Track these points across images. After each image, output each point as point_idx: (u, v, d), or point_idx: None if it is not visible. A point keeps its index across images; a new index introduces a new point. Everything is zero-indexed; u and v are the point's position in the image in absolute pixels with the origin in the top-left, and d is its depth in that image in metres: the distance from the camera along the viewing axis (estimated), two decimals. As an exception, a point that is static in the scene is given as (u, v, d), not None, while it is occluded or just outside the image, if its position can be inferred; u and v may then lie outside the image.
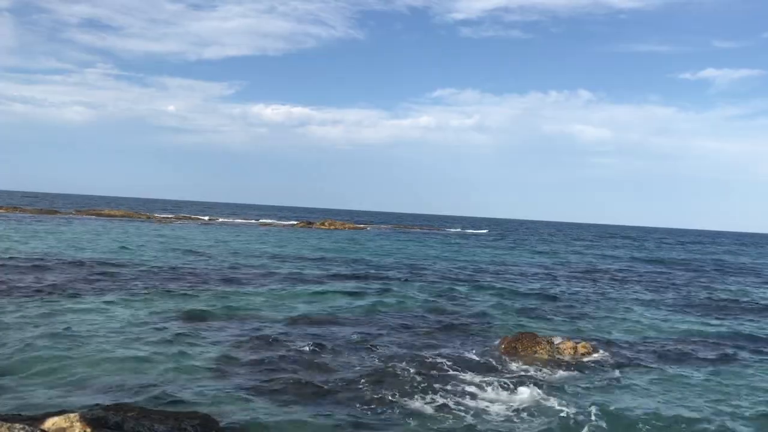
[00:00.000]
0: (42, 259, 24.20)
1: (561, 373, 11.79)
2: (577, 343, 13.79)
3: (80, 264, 23.66)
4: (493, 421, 8.94)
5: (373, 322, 15.74)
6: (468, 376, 11.18)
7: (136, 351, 11.52)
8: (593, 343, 14.24)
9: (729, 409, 10.09)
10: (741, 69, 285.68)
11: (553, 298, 22.33)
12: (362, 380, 10.51)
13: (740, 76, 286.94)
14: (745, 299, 25.34)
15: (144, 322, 13.95)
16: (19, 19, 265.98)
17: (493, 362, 12.34)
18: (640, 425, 9.08)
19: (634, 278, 31.92)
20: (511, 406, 9.62)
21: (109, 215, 69.65)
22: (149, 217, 72.54)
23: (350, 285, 22.59)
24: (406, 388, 10.20)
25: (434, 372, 11.29)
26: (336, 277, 25.05)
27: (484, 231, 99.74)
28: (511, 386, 10.63)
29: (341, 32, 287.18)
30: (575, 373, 11.84)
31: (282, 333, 13.76)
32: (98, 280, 19.84)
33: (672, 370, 12.45)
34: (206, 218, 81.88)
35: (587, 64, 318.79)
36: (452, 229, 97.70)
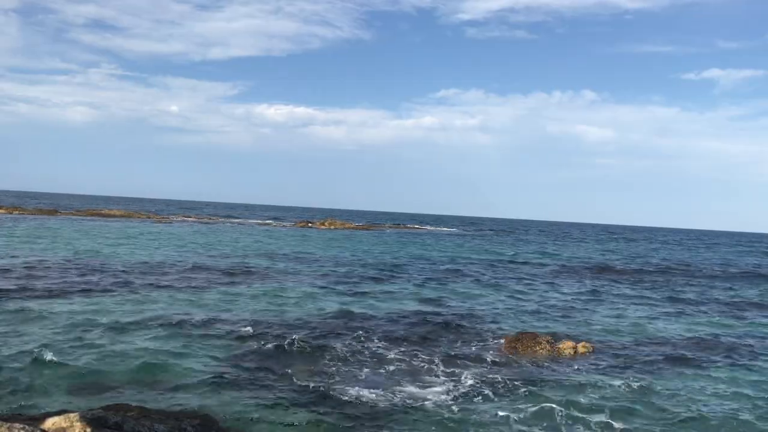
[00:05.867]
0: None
1: (560, 372, 11.78)
2: (578, 342, 13.79)
3: (77, 262, 23.67)
4: (493, 420, 8.94)
5: (371, 322, 15.73)
6: (468, 375, 11.17)
7: (136, 350, 11.52)
8: (593, 342, 14.24)
9: (732, 410, 10.08)
10: (745, 69, 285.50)
11: (554, 297, 22.33)
12: (360, 379, 10.51)
13: (744, 76, 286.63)
14: (747, 300, 25.34)
15: (144, 321, 13.93)
16: (25, 20, 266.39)
17: (494, 362, 12.34)
18: (641, 425, 9.07)
19: (635, 279, 31.92)
20: (511, 405, 9.62)
21: (108, 215, 69.67)
22: (149, 217, 72.58)
23: (347, 284, 22.59)
24: (407, 387, 10.21)
25: (434, 372, 11.29)
26: (332, 276, 25.05)
27: (488, 231, 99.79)
28: (512, 386, 10.63)
29: (347, 33, 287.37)
30: (574, 372, 11.83)
31: (282, 333, 13.76)
32: (96, 279, 19.83)
33: (674, 370, 12.45)
34: (208, 218, 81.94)
35: (591, 65, 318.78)
36: (453, 229, 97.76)
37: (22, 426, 5.37)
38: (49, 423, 5.85)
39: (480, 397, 9.93)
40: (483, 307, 19.06)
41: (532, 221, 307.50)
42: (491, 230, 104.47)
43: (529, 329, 15.08)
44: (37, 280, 18.98)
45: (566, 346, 13.47)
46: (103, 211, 74.06)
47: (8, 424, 5.32)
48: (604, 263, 41.12)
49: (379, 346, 13.01)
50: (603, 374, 11.77)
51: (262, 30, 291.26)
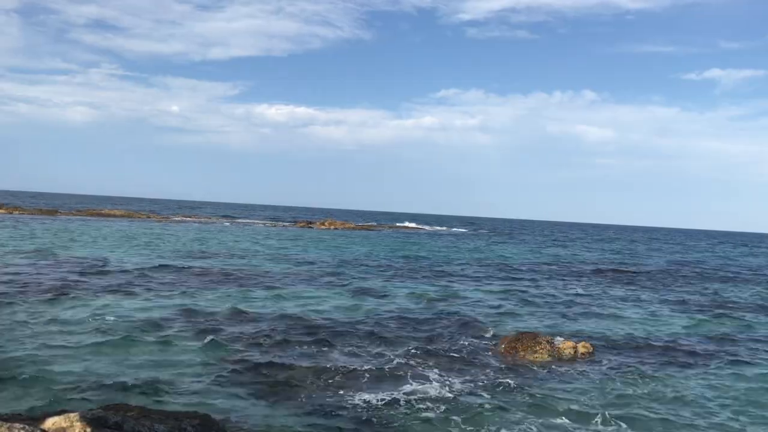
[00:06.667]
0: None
1: (561, 373, 11.79)
2: (578, 342, 13.79)
3: (80, 261, 23.68)
4: (493, 421, 8.93)
5: (369, 323, 15.73)
6: (467, 376, 11.17)
7: (137, 350, 11.53)
8: (594, 342, 14.24)
9: (734, 410, 10.08)
10: (745, 69, 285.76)
11: (554, 297, 22.33)
12: (358, 380, 10.52)
13: (744, 76, 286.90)
14: (747, 299, 25.34)
15: (143, 322, 13.94)
16: (26, 20, 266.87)
17: (494, 362, 12.34)
18: (642, 426, 9.07)
19: (635, 279, 31.92)
20: (512, 406, 9.62)
21: (109, 215, 69.66)
22: (149, 217, 72.58)
23: (346, 284, 22.59)
24: (406, 388, 10.21)
25: (433, 373, 11.29)
26: (331, 277, 25.05)
27: (488, 231, 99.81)
28: (512, 387, 10.63)
29: (348, 33, 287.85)
30: (575, 373, 11.83)
31: (280, 333, 13.77)
32: (94, 280, 19.84)
33: (674, 370, 12.45)
34: (207, 218, 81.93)
35: (592, 65, 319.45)
36: (453, 229, 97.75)
37: (22, 426, 5.37)
38: (49, 423, 5.85)
39: (480, 399, 9.92)
40: (482, 308, 19.05)
41: (532, 221, 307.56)
42: (491, 230, 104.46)
43: (529, 329, 15.08)
44: (33, 280, 18.98)
45: (566, 346, 13.47)
46: (103, 211, 74.04)
47: (8, 424, 5.32)
48: (604, 263, 41.12)
49: (377, 347, 13.02)
50: (603, 374, 11.78)
51: (262, 30, 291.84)
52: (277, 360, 11.54)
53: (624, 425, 9.02)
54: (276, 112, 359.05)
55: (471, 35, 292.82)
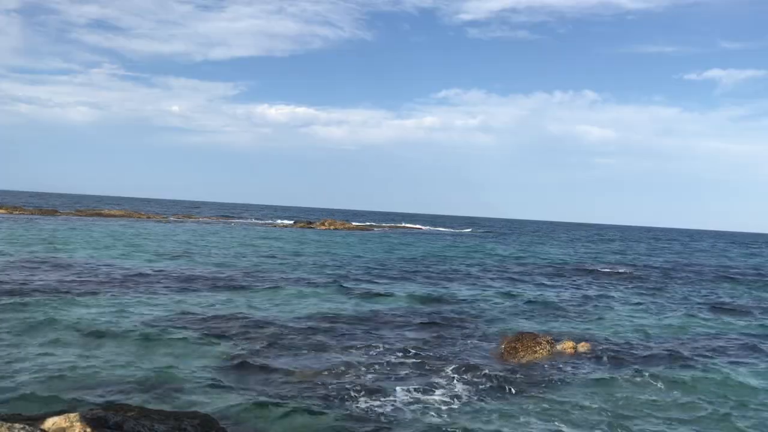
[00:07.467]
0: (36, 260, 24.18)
1: (561, 373, 11.78)
2: (578, 342, 13.80)
3: (75, 263, 23.66)
4: (494, 422, 8.93)
5: (368, 324, 15.73)
6: (468, 377, 11.17)
7: (137, 350, 11.53)
8: (594, 343, 14.24)
9: (732, 410, 10.08)
10: (747, 69, 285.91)
11: (554, 298, 22.32)
12: (359, 381, 10.51)
13: (746, 76, 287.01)
14: (748, 299, 25.34)
15: (143, 323, 13.94)
16: (27, 20, 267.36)
17: (494, 363, 12.34)
18: (643, 425, 9.07)
19: (636, 279, 31.91)
20: (512, 407, 9.61)
21: (109, 215, 69.64)
22: (149, 217, 72.58)
23: (344, 285, 22.58)
24: (405, 389, 10.20)
25: (433, 374, 11.29)
26: (330, 277, 25.03)
27: (488, 231, 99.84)
28: (513, 387, 10.62)
29: (349, 33, 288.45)
30: (575, 373, 11.83)
31: (280, 334, 13.76)
32: (94, 281, 19.83)
33: (674, 370, 12.44)
34: (208, 218, 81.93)
35: (593, 65, 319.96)
36: (453, 229, 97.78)
37: (22, 426, 5.37)
38: (49, 423, 5.84)
39: (481, 399, 9.92)
40: (482, 308, 19.04)
41: (533, 221, 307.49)
42: (491, 231, 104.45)
43: (529, 330, 15.08)
44: (33, 281, 18.98)
45: (566, 346, 13.48)
46: (103, 212, 74.00)
47: (8, 424, 5.31)
48: (604, 263, 41.11)
49: (377, 349, 13.01)
50: (604, 374, 11.77)
51: (264, 30, 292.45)
52: (275, 361, 11.54)
53: (624, 425, 9.01)
54: (277, 112, 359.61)
55: (472, 35, 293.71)
